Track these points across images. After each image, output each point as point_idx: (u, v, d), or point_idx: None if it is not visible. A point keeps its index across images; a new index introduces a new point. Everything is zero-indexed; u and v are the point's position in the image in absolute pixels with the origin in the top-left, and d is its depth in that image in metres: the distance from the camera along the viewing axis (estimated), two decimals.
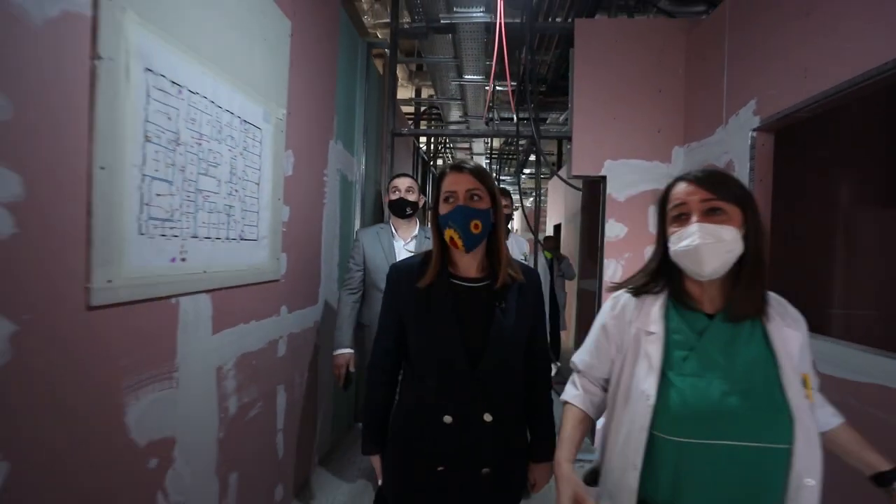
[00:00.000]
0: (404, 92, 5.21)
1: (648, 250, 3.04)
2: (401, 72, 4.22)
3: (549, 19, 3.44)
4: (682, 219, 0.86)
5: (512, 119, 5.43)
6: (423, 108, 5.81)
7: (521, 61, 3.71)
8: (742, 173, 2.29)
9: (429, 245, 1.80)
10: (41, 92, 0.88)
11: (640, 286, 0.94)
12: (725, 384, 0.81)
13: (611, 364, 0.97)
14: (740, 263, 0.84)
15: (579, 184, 4.31)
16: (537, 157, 3.49)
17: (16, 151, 0.83)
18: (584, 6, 3.18)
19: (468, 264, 1.10)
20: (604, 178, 3.05)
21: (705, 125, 2.68)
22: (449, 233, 1.04)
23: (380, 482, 1.16)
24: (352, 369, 2.05)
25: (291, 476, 2.13)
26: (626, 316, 0.93)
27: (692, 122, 2.87)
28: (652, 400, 0.83)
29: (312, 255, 2.31)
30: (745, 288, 0.85)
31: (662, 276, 0.92)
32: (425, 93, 5.69)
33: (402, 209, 2.11)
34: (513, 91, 3.68)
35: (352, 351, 2.05)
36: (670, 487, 0.83)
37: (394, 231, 2.13)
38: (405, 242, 2.12)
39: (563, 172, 5.97)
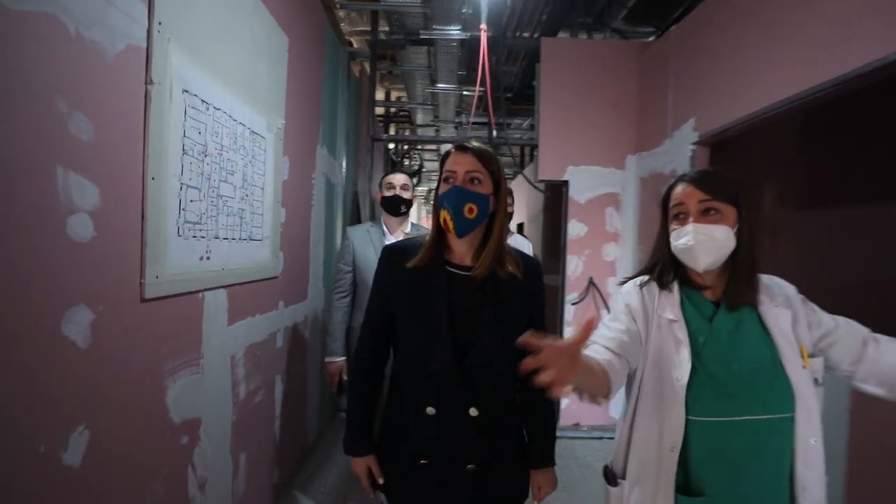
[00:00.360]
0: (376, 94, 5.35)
1: (606, 247, 3.43)
2: (368, 69, 4.38)
3: (518, 33, 3.72)
4: (681, 218, 0.93)
5: (481, 123, 5.71)
6: (391, 110, 5.97)
7: (491, 72, 3.96)
8: None
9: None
10: (112, 114, 1.02)
11: (657, 277, 0.98)
12: (740, 365, 0.88)
13: (640, 345, 0.94)
14: (735, 257, 0.91)
15: (542, 185, 4.64)
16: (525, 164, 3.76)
17: (95, 166, 0.98)
18: (549, 24, 3.48)
19: (463, 251, 1.04)
20: (566, 182, 3.37)
21: (654, 137, 3.04)
22: (443, 214, 0.98)
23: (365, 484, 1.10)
24: (345, 377, 1.97)
25: (286, 460, 2.29)
26: (650, 304, 0.96)
27: (643, 134, 3.23)
28: (684, 382, 0.87)
29: (303, 254, 2.46)
30: (739, 279, 0.92)
31: (671, 266, 0.97)
32: (394, 95, 5.86)
33: (396, 207, 2.03)
34: (480, 97, 3.94)
35: (344, 358, 2.00)
36: (701, 465, 0.87)
37: (385, 229, 2.06)
38: (395, 239, 2.01)
39: (527, 173, 6.32)
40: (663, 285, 0.96)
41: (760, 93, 2.06)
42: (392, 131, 6.41)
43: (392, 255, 1.06)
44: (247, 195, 1.70)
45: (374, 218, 3.32)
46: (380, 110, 5.96)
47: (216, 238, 1.48)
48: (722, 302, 0.93)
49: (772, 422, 0.86)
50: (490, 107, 3.45)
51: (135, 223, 1.11)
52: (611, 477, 0.98)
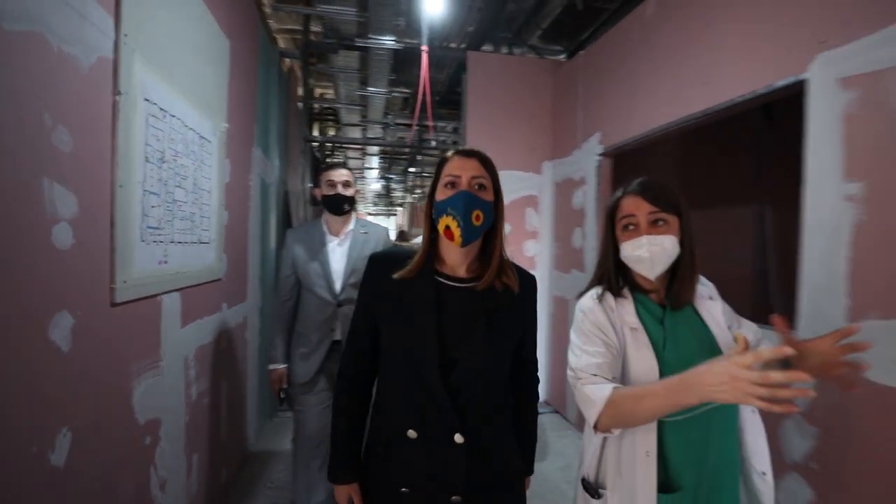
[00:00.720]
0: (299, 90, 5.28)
1: (527, 244, 3.81)
2: (299, 70, 4.34)
3: (447, 43, 3.95)
4: (632, 230, 0.96)
5: (405, 124, 5.88)
6: (314, 107, 5.91)
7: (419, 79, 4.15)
8: (591, 186, 3.07)
9: (366, 241, 1.91)
10: (87, 125, 1.05)
11: (611, 287, 0.99)
12: (693, 361, 0.87)
13: (619, 358, 0.94)
14: (678, 261, 0.96)
15: None
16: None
17: (74, 176, 1.01)
18: (476, 36, 3.75)
19: (458, 261, 0.97)
20: None
21: (566, 147, 3.45)
22: (445, 221, 0.91)
23: None
24: (284, 385, 1.91)
25: (231, 460, 2.30)
26: (612, 315, 0.96)
27: (557, 143, 3.64)
28: (655, 376, 0.89)
29: (243, 255, 2.47)
30: (681, 282, 0.97)
31: (619, 275, 1.00)
32: (318, 91, 5.81)
33: (338, 206, 1.87)
34: (406, 99, 4.12)
35: (284, 366, 1.90)
36: (675, 462, 0.90)
37: (326, 229, 1.91)
38: (339, 240, 1.90)
39: None
40: (617, 294, 0.98)
41: (650, 116, 2.50)
42: (315, 129, 6.33)
43: (378, 266, 0.99)
44: (197, 199, 1.72)
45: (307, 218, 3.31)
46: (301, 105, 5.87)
47: (172, 242, 1.51)
48: (667, 303, 0.98)
49: (724, 406, 0.88)
50: (430, 119, 3.64)
51: (105, 230, 1.14)
52: (592, 489, 0.96)
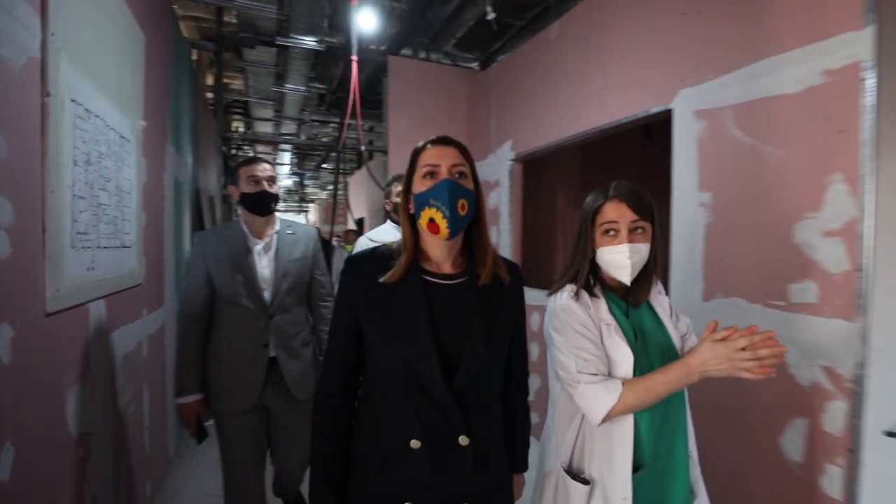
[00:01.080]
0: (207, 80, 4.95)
1: None
2: (209, 62, 4.10)
3: (367, 45, 4.01)
4: (612, 235, 0.99)
5: (320, 121, 5.79)
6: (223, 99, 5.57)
7: (338, 76, 4.16)
8: (504, 188, 3.38)
9: (294, 242, 1.68)
10: (20, 129, 1.02)
11: (587, 286, 1.03)
12: (656, 350, 1.02)
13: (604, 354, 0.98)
14: (646, 265, 1.02)
15: (383, 181, 5.06)
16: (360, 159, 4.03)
17: (9, 183, 0.97)
18: (395, 39, 3.87)
19: (442, 257, 0.92)
20: None
21: (482, 151, 3.73)
22: (429, 213, 0.86)
23: None
24: (204, 419, 1.60)
25: (155, 473, 2.20)
26: (590, 310, 1.00)
27: (473, 147, 3.91)
28: (630, 362, 0.96)
29: (159, 259, 2.35)
30: (644, 282, 1.04)
31: (591, 274, 1.05)
32: (224, 83, 5.48)
33: (263, 205, 1.64)
34: (322, 96, 4.11)
35: (200, 396, 1.58)
36: (643, 442, 0.98)
37: (247, 231, 1.64)
38: (264, 244, 1.66)
39: (368, 171, 6.66)
40: (592, 294, 1.02)
41: (555, 129, 2.84)
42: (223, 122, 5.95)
43: (358, 268, 0.92)
44: (119, 202, 1.65)
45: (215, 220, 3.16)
46: (210, 95, 5.49)
47: (98, 247, 1.45)
48: (629, 299, 1.06)
49: (677, 394, 0.99)
50: (359, 127, 3.67)
51: (38, 237, 1.10)
52: (577, 476, 1.00)
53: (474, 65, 4.53)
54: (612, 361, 0.98)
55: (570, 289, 1.03)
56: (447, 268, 0.93)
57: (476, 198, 0.91)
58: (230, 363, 1.58)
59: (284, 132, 5.66)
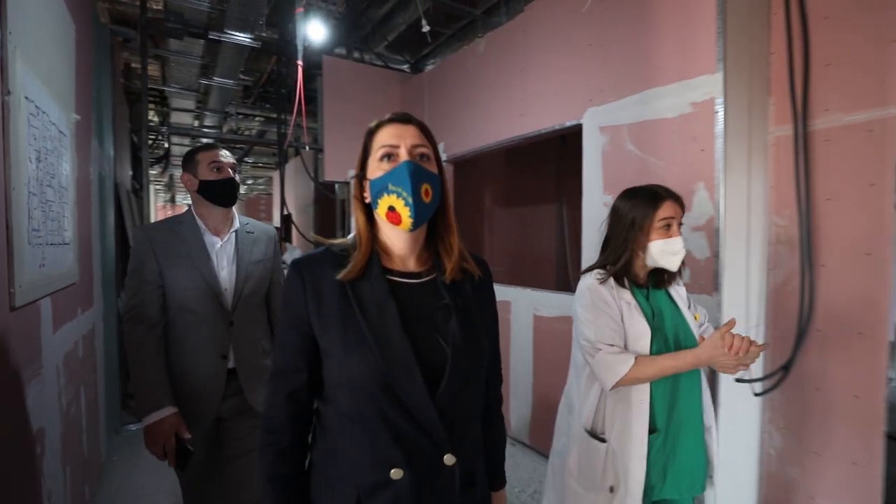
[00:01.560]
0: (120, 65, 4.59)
1: None
2: (129, 52, 3.84)
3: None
4: (667, 230, 1.15)
5: (245, 114, 5.60)
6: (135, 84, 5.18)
7: (268, 71, 4.12)
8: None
9: (254, 242, 1.48)
10: None
11: (617, 276, 1.19)
12: (672, 328, 1.18)
13: (622, 324, 1.15)
14: None
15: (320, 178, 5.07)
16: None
17: None
18: (329, 41, 3.92)
19: (406, 251, 0.80)
20: (349, 183, 3.95)
21: None
22: (388, 201, 0.74)
23: None
24: (185, 436, 1.32)
25: (91, 476, 2.13)
26: (614, 291, 1.17)
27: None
28: (647, 337, 1.12)
29: (89, 256, 2.26)
30: (665, 270, 1.21)
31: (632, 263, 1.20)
32: (139, 71, 5.10)
33: (229, 195, 1.45)
34: (247, 87, 4.05)
35: (175, 409, 1.32)
36: (657, 408, 1.13)
37: (202, 226, 1.44)
38: (220, 241, 1.45)
39: (296, 168, 6.55)
40: (620, 281, 1.18)
41: (483, 134, 3.13)
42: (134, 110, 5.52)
43: (308, 273, 0.77)
44: (61, 198, 1.62)
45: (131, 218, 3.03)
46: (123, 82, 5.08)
47: (48, 244, 1.45)
48: (649, 284, 1.23)
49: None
50: (305, 129, 3.68)
51: (3, 233, 1.12)
52: (597, 436, 1.17)
53: (405, 67, 4.71)
54: (631, 337, 1.13)
55: (597, 273, 1.20)
56: (412, 264, 0.81)
57: (441, 183, 0.80)
58: (183, 378, 1.36)
59: (207, 124, 5.40)
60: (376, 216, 0.79)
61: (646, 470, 1.11)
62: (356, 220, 0.81)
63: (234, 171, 1.48)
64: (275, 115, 5.68)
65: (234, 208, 1.51)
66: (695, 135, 1.85)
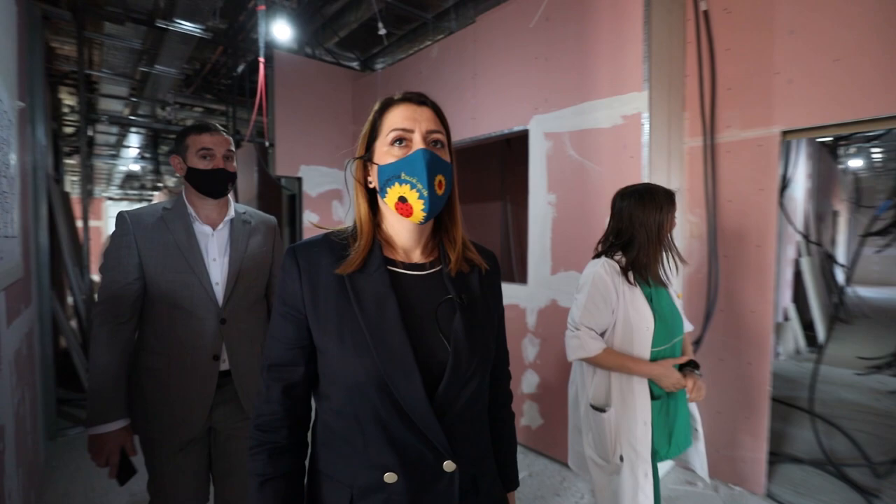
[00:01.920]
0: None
1: None
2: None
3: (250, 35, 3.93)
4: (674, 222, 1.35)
5: (184, 104, 5.34)
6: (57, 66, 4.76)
7: (212, 61, 3.99)
8: None
9: (252, 233, 1.35)
10: None
11: (623, 267, 1.33)
12: (670, 318, 1.34)
13: (612, 314, 1.30)
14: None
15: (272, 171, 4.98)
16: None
17: None
18: (282, 35, 3.88)
19: (411, 243, 0.77)
20: (300, 178, 3.95)
21: None
22: (399, 191, 0.70)
23: None
24: (130, 453, 1.22)
25: (34, 482, 2.04)
26: (616, 279, 1.30)
27: (357, 144, 4.15)
28: (652, 328, 1.27)
29: (26, 250, 2.14)
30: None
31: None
32: (61, 51, 4.69)
33: (220, 186, 1.31)
34: (189, 76, 3.92)
35: (126, 422, 1.20)
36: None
37: (193, 215, 1.31)
38: (215, 230, 1.32)
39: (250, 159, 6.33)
40: (641, 273, 1.32)
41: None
42: (57, 94, 5.07)
43: (304, 261, 0.73)
44: (11, 188, 1.57)
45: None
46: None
47: (4, 237, 1.41)
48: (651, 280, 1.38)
49: (679, 338, 1.40)
50: (265, 125, 3.60)
51: None
52: (600, 408, 1.33)
53: (354, 64, 4.75)
54: (631, 315, 1.28)
55: (603, 260, 1.32)
56: (417, 256, 0.77)
57: (453, 172, 0.76)
58: (170, 381, 1.22)
59: (141, 113, 5.09)
60: (381, 204, 0.76)
61: (651, 434, 1.28)
62: (358, 207, 0.76)
63: (229, 160, 1.32)
64: (215, 107, 5.48)
65: (230, 195, 1.37)
66: (625, 143, 2.13)
